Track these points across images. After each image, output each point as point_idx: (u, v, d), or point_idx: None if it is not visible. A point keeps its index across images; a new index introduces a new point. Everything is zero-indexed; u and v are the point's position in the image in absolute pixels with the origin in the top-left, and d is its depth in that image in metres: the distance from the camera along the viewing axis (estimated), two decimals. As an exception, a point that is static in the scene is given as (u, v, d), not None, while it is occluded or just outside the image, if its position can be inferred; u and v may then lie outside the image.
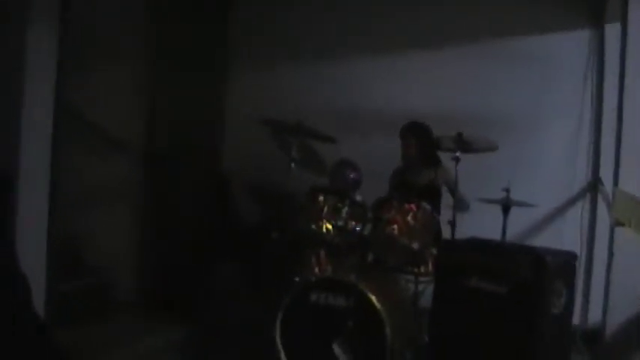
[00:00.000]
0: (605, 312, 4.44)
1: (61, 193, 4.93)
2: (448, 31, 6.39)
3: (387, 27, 6.56)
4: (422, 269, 5.00)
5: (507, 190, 5.05)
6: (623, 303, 4.31)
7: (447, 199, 5.49)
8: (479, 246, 4.53)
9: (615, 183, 4.42)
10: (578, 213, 6.04)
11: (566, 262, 4.27)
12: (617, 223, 4.28)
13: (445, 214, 5.23)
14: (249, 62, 6.97)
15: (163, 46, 6.40)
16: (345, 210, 5.08)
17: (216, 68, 6.93)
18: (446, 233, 5.13)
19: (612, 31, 5.53)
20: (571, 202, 6.12)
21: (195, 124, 6.55)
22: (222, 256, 6.28)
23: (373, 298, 4.34)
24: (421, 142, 5.58)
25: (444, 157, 5.48)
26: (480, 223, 5.09)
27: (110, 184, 6.11)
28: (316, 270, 5.11)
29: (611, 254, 4.39)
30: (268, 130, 5.79)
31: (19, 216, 4.28)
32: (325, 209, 5.09)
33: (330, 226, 5.06)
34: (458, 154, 5.11)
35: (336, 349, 4.40)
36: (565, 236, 5.97)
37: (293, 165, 5.43)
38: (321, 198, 5.13)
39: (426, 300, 4.79)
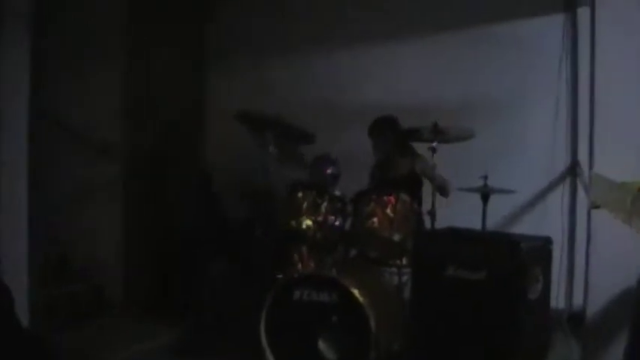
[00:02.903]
0: (586, 295, 4.45)
1: (45, 196, 4.96)
2: (422, 21, 6.41)
3: (363, 21, 6.57)
4: (404, 261, 5.01)
5: (485, 178, 5.06)
6: (603, 285, 4.31)
7: (427, 190, 5.49)
8: (454, 235, 4.55)
9: (590, 166, 4.43)
10: (559, 197, 6.06)
11: (542, 247, 4.29)
12: (594, 206, 4.28)
13: (427, 204, 5.25)
14: (230, 59, 6.99)
15: (144, 43, 6.39)
16: (324, 205, 5.10)
17: (196, 65, 6.94)
18: (427, 224, 5.16)
19: (584, 14, 5.53)
20: (551, 186, 6.14)
21: (178, 122, 6.56)
22: (208, 255, 6.29)
23: (356, 292, 4.36)
24: (390, 136, 5.60)
25: (422, 148, 5.46)
26: (461, 213, 5.11)
27: (95, 185, 6.14)
28: (299, 267, 5.13)
29: (589, 238, 4.39)
30: (247, 127, 5.81)
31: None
32: (305, 205, 5.12)
33: (310, 222, 5.07)
34: (434, 144, 5.11)
35: (322, 344, 4.42)
36: (547, 221, 5.98)
37: (271, 161, 5.44)
38: (300, 194, 5.15)
39: (410, 291, 4.81)
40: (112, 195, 6.29)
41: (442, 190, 5.34)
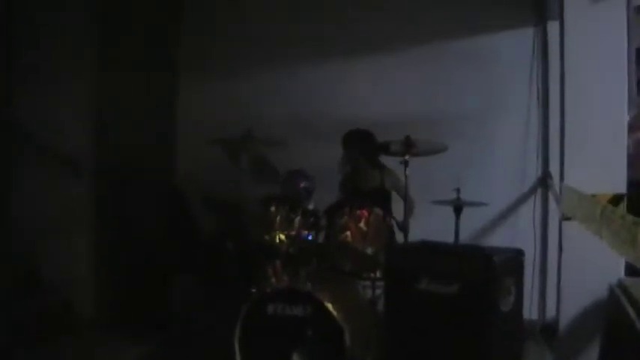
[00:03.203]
0: (558, 306, 4.48)
1: (14, 211, 4.90)
2: (395, 36, 6.44)
3: (336, 34, 6.59)
4: (378, 274, 5.01)
5: (458, 190, 5.08)
6: (575, 296, 4.35)
7: (397, 203, 5.50)
8: (427, 249, 4.54)
9: (561, 178, 4.47)
10: (531, 209, 6.10)
11: (513, 259, 4.29)
12: (564, 218, 4.32)
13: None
14: (200, 72, 6.95)
15: (111, 60, 6.35)
16: (297, 219, 5.10)
17: (166, 80, 6.90)
18: (399, 237, 5.17)
19: (554, 27, 5.59)
20: (523, 198, 6.19)
21: (147, 138, 6.51)
22: (180, 270, 6.25)
23: (330, 306, 4.34)
24: (362, 149, 5.61)
25: (394, 162, 5.43)
26: (434, 225, 5.14)
27: (64, 201, 6.07)
28: (273, 281, 5.11)
29: (560, 249, 4.43)
30: (220, 143, 5.80)
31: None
32: (278, 219, 5.11)
33: (283, 237, 5.07)
34: (407, 157, 5.08)
35: (296, 359, 4.40)
36: (519, 233, 6.03)
37: (243, 175, 5.43)
38: (273, 208, 5.14)
39: (385, 304, 4.80)
40: (81, 210, 6.22)
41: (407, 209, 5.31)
